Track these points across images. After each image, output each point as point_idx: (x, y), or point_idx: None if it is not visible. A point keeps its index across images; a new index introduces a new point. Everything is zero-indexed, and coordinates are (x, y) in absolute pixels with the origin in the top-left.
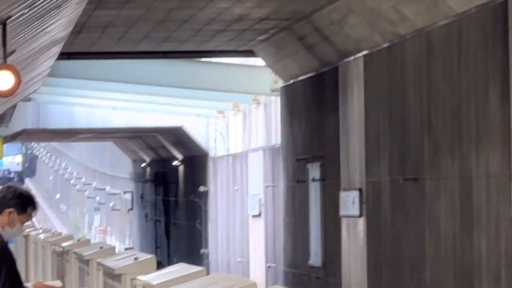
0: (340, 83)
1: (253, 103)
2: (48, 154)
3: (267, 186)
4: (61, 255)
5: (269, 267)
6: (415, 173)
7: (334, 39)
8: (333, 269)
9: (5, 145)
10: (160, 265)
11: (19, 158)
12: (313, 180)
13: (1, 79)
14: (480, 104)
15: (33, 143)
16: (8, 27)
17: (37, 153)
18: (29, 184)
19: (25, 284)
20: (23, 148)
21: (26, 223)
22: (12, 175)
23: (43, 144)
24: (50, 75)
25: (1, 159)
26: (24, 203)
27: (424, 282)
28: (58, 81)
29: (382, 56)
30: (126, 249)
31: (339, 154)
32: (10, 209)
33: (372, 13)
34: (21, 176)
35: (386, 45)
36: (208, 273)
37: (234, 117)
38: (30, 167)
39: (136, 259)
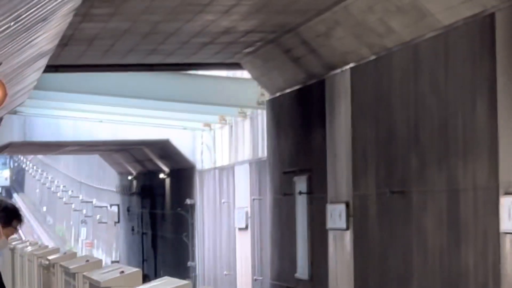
0: (327, 96)
1: (240, 116)
2: (35, 167)
3: (254, 199)
4: (48, 268)
5: (256, 280)
6: (402, 186)
7: (320, 52)
8: (320, 282)
9: None
10: (147, 278)
11: (6, 173)
12: (300, 193)
13: None
14: (468, 116)
15: (20, 157)
16: None
17: (24, 166)
18: (17, 200)
19: None
20: (11, 162)
21: (12, 236)
22: None
23: (29, 157)
24: (37, 87)
25: None
26: (9, 216)
27: None
28: (44, 94)
29: (369, 68)
30: (113, 262)
31: (326, 167)
32: None
33: (359, 26)
34: (9, 191)
35: (373, 57)
36: (194, 286)
37: (220, 130)
38: (18, 181)
39: (122, 272)
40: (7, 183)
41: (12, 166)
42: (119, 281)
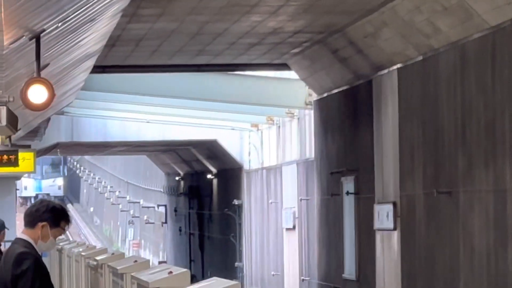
0: (374, 96)
1: (287, 116)
2: (82, 168)
3: (301, 199)
4: (95, 269)
5: (303, 280)
6: (449, 186)
7: (368, 52)
8: (368, 282)
9: (45, 167)
10: (194, 279)
11: (60, 181)
12: (347, 193)
13: (35, 92)
14: None
15: (74, 162)
16: (42, 40)
17: (78, 173)
18: (72, 213)
19: None
20: (65, 169)
21: (59, 237)
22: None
23: (76, 157)
24: (84, 88)
25: (41, 179)
26: (57, 217)
27: None
28: (92, 95)
29: (416, 69)
30: (160, 262)
31: (373, 167)
32: (43, 223)
33: (406, 26)
34: (63, 201)
35: (420, 58)
36: (242, 287)
37: (268, 130)
38: (72, 190)
39: (170, 272)
40: (60, 192)
41: (66, 174)
42: (167, 281)
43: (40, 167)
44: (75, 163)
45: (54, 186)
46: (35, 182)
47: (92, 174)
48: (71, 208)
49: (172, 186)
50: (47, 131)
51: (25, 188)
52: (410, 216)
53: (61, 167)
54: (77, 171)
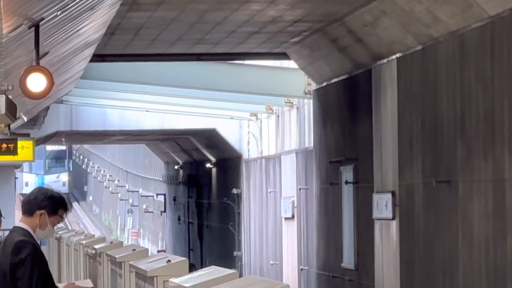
0: (373, 86)
1: (286, 106)
2: (81, 156)
3: (300, 189)
4: (94, 257)
5: (302, 269)
6: (448, 175)
7: (367, 41)
8: (366, 272)
9: (48, 161)
10: (193, 268)
11: (64, 176)
12: (346, 182)
13: (34, 81)
14: None
15: (79, 155)
16: (41, 29)
17: (85, 167)
18: (80, 216)
19: (57, 285)
20: (70, 164)
21: (57, 225)
22: None
23: (82, 151)
24: (83, 77)
25: (43, 174)
26: (55, 205)
27: (457, 285)
28: (91, 83)
29: (415, 58)
30: (159, 251)
31: (372, 157)
32: (41, 211)
33: (405, 15)
34: (68, 199)
35: (419, 47)
36: (241, 276)
37: (267, 120)
38: (79, 186)
39: (168, 261)
40: (65, 189)
41: (71, 169)
42: (166, 270)
43: (42, 161)
44: (81, 157)
45: (58, 182)
46: (37, 178)
47: (91, 163)
48: (76, 208)
49: (171, 175)
50: (46, 120)
51: (26, 184)
52: (409, 206)
53: (66, 161)
54: (84, 166)
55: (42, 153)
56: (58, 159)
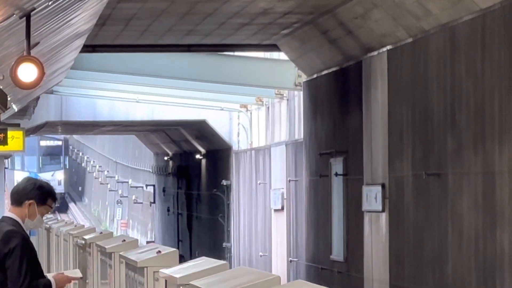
0: (364, 78)
1: (276, 97)
2: (80, 153)
3: (290, 180)
4: (84, 248)
5: (291, 261)
6: (438, 168)
7: (358, 34)
8: (355, 264)
9: (42, 158)
10: (182, 259)
11: (60, 175)
12: (336, 174)
13: (24, 71)
14: (504, 99)
15: (75, 150)
16: (32, 19)
17: (82, 164)
18: (69, 206)
19: (46, 275)
20: (66, 160)
21: (46, 215)
22: None
23: (79, 146)
24: (74, 67)
25: (37, 172)
26: (44, 195)
27: (446, 277)
28: (81, 74)
29: (406, 51)
30: (148, 242)
31: (362, 149)
32: (30, 201)
33: (396, 8)
34: (63, 199)
35: (410, 40)
36: (230, 267)
37: (257, 111)
38: (75, 186)
39: (158, 252)
40: (61, 188)
41: (67, 166)
42: (156, 261)
43: (36, 158)
44: (80, 154)
45: (53, 180)
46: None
47: (80, 154)
48: (73, 209)
49: (160, 166)
50: (36, 110)
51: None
52: (398, 198)
53: (62, 157)
54: (82, 163)
55: (35, 149)
56: (53, 155)
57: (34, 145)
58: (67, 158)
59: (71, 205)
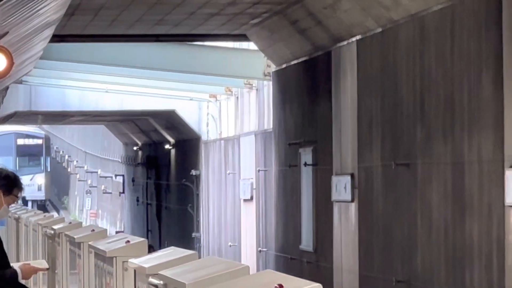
0: (333, 68)
1: (246, 87)
2: (61, 152)
3: (259, 170)
4: (52, 238)
5: (260, 251)
6: (408, 158)
7: (327, 24)
8: (325, 254)
9: (19, 159)
10: (151, 249)
11: (40, 179)
12: (305, 164)
13: None
14: (473, 89)
15: (61, 151)
16: (1, 8)
17: (66, 166)
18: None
19: (12, 265)
20: (47, 161)
21: (12, 204)
22: (28, 206)
23: (63, 146)
24: (43, 57)
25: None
26: (10, 184)
27: (415, 267)
28: (50, 64)
29: (375, 41)
30: (117, 232)
31: (331, 139)
32: None
33: None
34: (44, 208)
35: (379, 30)
36: (200, 257)
37: (226, 101)
38: (58, 192)
39: (127, 242)
40: (41, 195)
41: (49, 169)
42: (125, 250)
43: (12, 158)
44: (66, 156)
45: (32, 185)
46: None
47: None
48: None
49: (130, 156)
50: (5, 100)
51: None
52: (368, 188)
53: (42, 159)
54: (66, 166)
55: (11, 149)
56: (31, 156)
57: (10, 144)
58: (49, 159)
59: (55, 216)
